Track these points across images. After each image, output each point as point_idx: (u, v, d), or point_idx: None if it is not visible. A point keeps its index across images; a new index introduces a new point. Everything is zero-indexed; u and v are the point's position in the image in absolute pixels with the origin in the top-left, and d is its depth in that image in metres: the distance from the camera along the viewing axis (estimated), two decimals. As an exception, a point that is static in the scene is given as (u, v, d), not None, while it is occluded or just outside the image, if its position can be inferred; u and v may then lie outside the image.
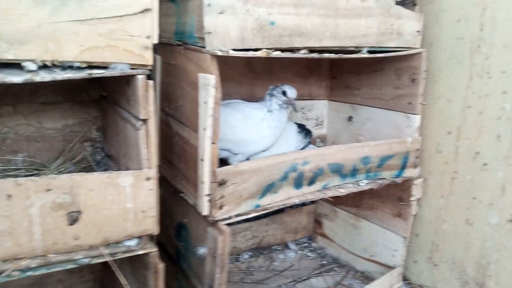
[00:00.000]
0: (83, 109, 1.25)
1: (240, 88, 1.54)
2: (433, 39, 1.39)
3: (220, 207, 1.06)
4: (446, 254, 1.45)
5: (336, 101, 1.70)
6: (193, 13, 1.02)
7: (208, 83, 0.98)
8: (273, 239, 1.82)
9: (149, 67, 0.90)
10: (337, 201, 1.70)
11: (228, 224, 1.08)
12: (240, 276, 1.62)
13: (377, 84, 1.48)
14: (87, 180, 0.86)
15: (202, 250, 1.14)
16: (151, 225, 0.95)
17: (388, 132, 1.45)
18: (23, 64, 0.80)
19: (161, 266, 1.00)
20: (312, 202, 1.84)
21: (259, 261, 1.72)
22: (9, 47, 0.77)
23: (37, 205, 0.84)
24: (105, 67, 0.86)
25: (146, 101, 0.90)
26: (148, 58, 0.89)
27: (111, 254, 0.92)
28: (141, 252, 0.96)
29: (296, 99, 1.32)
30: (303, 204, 1.82)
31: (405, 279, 1.58)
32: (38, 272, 0.87)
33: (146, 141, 0.92)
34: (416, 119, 1.36)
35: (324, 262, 1.75)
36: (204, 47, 0.99)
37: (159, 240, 1.00)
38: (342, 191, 1.29)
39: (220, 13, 0.96)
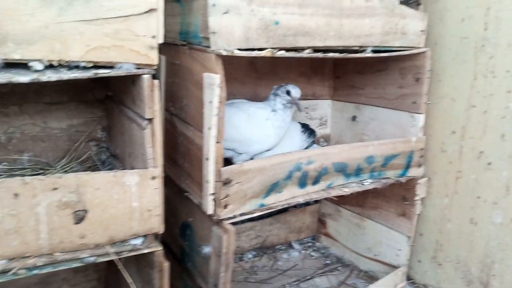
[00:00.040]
0: (88, 109, 1.25)
1: (244, 88, 1.54)
2: (437, 38, 1.39)
3: (225, 206, 1.07)
4: (450, 254, 1.45)
5: (340, 100, 1.70)
6: (198, 13, 1.02)
7: (213, 83, 0.98)
8: (277, 238, 1.82)
9: (155, 67, 0.91)
10: (341, 200, 1.70)
11: (233, 223, 1.09)
12: (244, 276, 1.63)
13: (381, 83, 1.48)
14: (93, 179, 0.87)
15: (206, 249, 1.14)
16: (157, 224, 0.96)
17: (392, 131, 1.45)
18: (30, 64, 0.80)
19: (166, 264, 1.00)
20: (316, 201, 1.84)
21: (262, 261, 1.72)
22: (16, 47, 0.78)
23: (44, 204, 0.84)
24: (111, 67, 0.87)
25: (152, 100, 0.90)
26: (153, 57, 0.89)
27: (117, 253, 0.93)
28: (146, 250, 0.96)
29: (299, 99, 1.32)
30: (307, 204, 1.82)
31: (409, 278, 1.58)
32: (44, 271, 0.88)
33: (152, 141, 0.93)
34: (421, 119, 1.36)
35: (328, 261, 1.75)
36: (209, 47, 0.99)
37: (164, 240, 1.01)
38: (346, 191, 1.29)
39: (225, 13, 0.97)
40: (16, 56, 0.78)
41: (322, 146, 1.71)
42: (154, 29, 0.88)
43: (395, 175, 1.37)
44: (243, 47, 1.00)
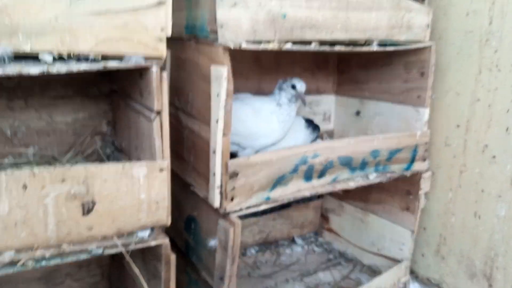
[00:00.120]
0: (93, 103, 1.25)
1: (248, 83, 1.54)
2: (442, 33, 1.39)
3: (231, 199, 1.07)
4: (454, 247, 1.46)
5: (343, 96, 1.70)
6: (205, 6, 1.02)
7: (221, 76, 0.98)
8: (280, 234, 1.82)
9: (163, 59, 0.91)
10: (344, 195, 1.71)
11: (239, 217, 1.09)
12: (247, 271, 1.63)
13: (386, 78, 1.48)
14: (102, 171, 0.87)
15: (212, 243, 1.14)
16: (164, 216, 0.96)
17: (396, 126, 1.46)
18: (40, 56, 0.80)
19: (173, 257, 1.00)
20: (319, 197, 1.84)
21: (265, 256, 1.73)
22: (26, 39, 0.78)
23: (52, 196, 0.84)
24: (120, 59, 0.87)
25: (160, 92, 0.90)
26: (162, 50, 0.90)
27: (124, 245, 0.93)
28: (153, 243, 0.96)
29: (304, 93, 1.32)
30: (310, 199, 1.83)
31: (412, 272, 1.59)
32: (52, 262, 0.88)
33: (160, 133, 0.93)
34: (425, 113, 1.36)
35: (330, 256, 1.75)
36: (216, 40, 0.99)
37: (168, 234, 1.01)
38: (351, 184, 1.29)
39: (233, 6, 0.97)
40: (26, 47, 0.78)
41: (326, 141, 1.72)
42: (163, 21, 0.88)
43: (400, 169, 1.38)
44: (251, 40, 1.01)
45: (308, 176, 1.21)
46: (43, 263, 0.86)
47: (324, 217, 1.86)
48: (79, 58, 0.84)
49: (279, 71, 1.59)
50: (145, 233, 0.95)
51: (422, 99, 1.37)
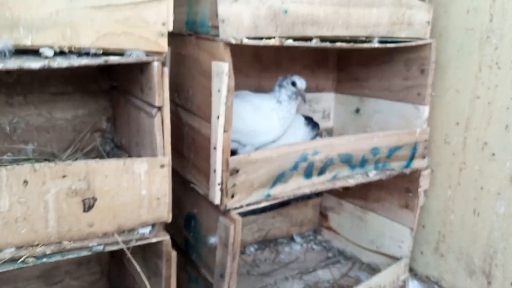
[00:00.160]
0: (93, 100, 1.24)
1: (248, 80, 1.54)
2: (442, 30, 1.39)
3: (232, 196, 1.07)
4: (453, 245, 1.46)
5: (343, 93, 1.70)
6: (206, 2, 1.02)
7: (222, 71, 0.98)
8: (279, 232, 1.82)
9: (165, 54, 0.90)
10: (343, 194, 1.71)
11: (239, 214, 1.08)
12: (247, 269, 1.63)
13: (386, 75, 1.48)
14: (103, 167, 0.86)
15: (213, 240, 1.14)
16: (165, 212, 0.96)
17: (396, 123, 1.46)
18: (41, 50, 0.79)
19: (174, 254, 1.00)
20: (317, 195, 1.84)
21: (265, 254, 1.73)
22: (27, 33, 0.77)
23: (53, 192, 0.84)
24: (121, 54, 0.86)
25: (162, 88, 0.90)
26: (163, 45, 0.89)
27: (125, 242, 0.92)
28: (154, 239, 0.96)
29: (304, 90, 1.32)
30: (309, 197, 1.83)
31: (411, 270, 1.59)
32: (53, 259, 0.87)
33: (161, 128, 0.92)
34: (425, 110, 1.37)
35: (329, 254, 1.75)
36: (217, 35, 0.99)
37: (167, 231, 1.00)
38: (351, 182, 1.29)
39: (234, 1, 0.97)
40: (27, 42, 0.78)
41: (325, 139, 1.72)
42: (164, 16, 0.88)
43: (399, 166, 1.38)
44: (252, 36, 1.00)
45: (308, 173, 1.21)
46: (44, 260, 0.86)
47: (323, 215, 1.86)
48: (80, 52, 0.83)
49: (279, 68, 1.58)
50: (146, 230, 0.95)
51: (422, 97, 1.37)
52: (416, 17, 1.26)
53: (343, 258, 1.72)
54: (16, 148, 1.16)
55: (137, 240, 0.94)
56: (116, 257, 1.34)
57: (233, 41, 0.98)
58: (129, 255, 0.91)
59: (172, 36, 0.93)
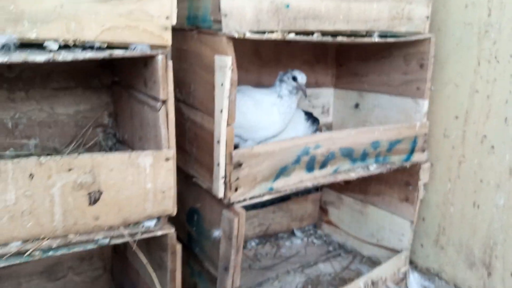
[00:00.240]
0: (94, 95, 1.25)
1: (248, 76, 1.54)
2: (441, 25, 1.40)
3: (236, 190, 1.08)
4: (453, 237, 1.48)
5: (342, 88, 1.71)
6: (208, -4, 1.02)
7: (225, 65, 0.99)
8: (279, 226, 1.83)
9: (168, 48, 0.91)
10: (343, 188, 1.72)
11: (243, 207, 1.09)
12: (248, 263, 1.64)
13: (385, 70, 1.49)
14: (108, 160, 0.87)
15: (216, 233, 1.15)
16: (170, 206, 0.96)
17: (396, 118, 1.47)
18: (45, 43, 0.80)
19: (179, 247, 1.01)
20: (317, 189, 1.85)
21: (266, 248, 1.74)
22: (32, 26, 0.77)
23: (59, 185, 0.84)
24: (125, 48, 0.87)
25: (166, 81, 0.90)
26: (167, 38, 0.90)
27: (131, 235, 0.93)
28: (160, 232, 0.97)
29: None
30: (309, 192, 1.84)
31: (411, 262, 1.60)
32: (59, 253, 0.87)
33: (166, 122, 0.93)
34: (424, 104, 1.38)
35: (330, 248, 1.76)
36: (219, 30, 1.00)
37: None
38: (352, 175, 1.30)
39: (236, -5, 0.97)
40: (31, 35, 0.78)
41: (325, 133, 1.72)
42: (168, 9, 0.89)
43: (399, 160, 1.39)
44: (254, 30, 1.01)
45: (310, 167, 1.22)
46: (50, 253, 0.86)
47: (323, 210, 1.87)
48: (84, 46, 0.83)
49: (279, 64, 1.59)
50: (151, 223, 0.96)
51: (422, 91, 1.38)
52: (415, 12, 1.27)
53: (344, 251, 1.73)
54: (18, 143, 1.16)
55: (142, 233, 0.94)
56: (119, 252, 1.34)
57: (236, 35, 0.98)
58: (134, 248, 0.92)
59: (173, 32, 0.93)
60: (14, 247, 0.83)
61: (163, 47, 0.90)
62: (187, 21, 1.16)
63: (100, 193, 0.88)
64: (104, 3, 0.83)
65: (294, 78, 1.31)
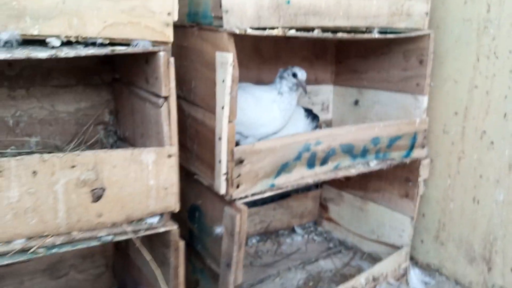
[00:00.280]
0: (95, 92, 1.24)
1: (248, 73, 1.54)
2: (440, 21, 1.41)
3: (237, 186, 1.08)
4: (453, 233, 1.48)
5: (342, 85, 1.72)
6: (209, -8, 1.03)
7: (226, 62, 0.99)
8: (280, 223, 1.84)
9: (170, 44, 0.91)
10: (343, 185, 1.72)
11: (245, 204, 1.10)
12: (249, 260, 1.64)
13: (385, 66, 1.50)
14: (111, 157, 0.87)
15: (218, 230, 1.15)
16: (173, 202, 0.96)
17: (395, 114, 1.47)
18: (48, 40, 0.80)
19: (182, 243, 1.01)
20: (317, 186, 1.86)
21: (266, 245, 1.74)
22: (34, 22, 0.78)
23: (62, 182, 0.84)
24: (127, 44, 0.87)
25: (168, 78, 0.91)
26: (169, 35, 0.90)
27: (134, 232, 0.93)
28: (163, 229, 0.97)
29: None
30: (309, 189, 1.84)
31: (412, 258, 1.61)
32: (63, 250, 0.88)
33: (168, 118, 0.93)
34: (424, 100, 1.39)
35: (330, 245, 1.77)
36: (220, 26, 1.00)
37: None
38: (353, 171, 1.31)
39: (237, -8, 0.97)
40: (34, 31, 0.78)
41: (325, 130, 1.73)
42: (170, 6, 0.89)
43: (399, 156, 1.40)
44: (255, 26, 1.01)
45: (311, 163, 1.22)
46: (54, 250, 0.86)
47: (323, 207, 1.88)
48: (86, 43, 0.84)
49: (278, 61, 1.59)
50: (154, 220, 0.96)
51: (421, 87, 1.38)
52: (415, 8, 1.28)
53: (344, 248, 1.74)
54: (19, 141, 1.16)
55: (145, 230, 0.95)
56: (121, 249, 1.34)
57: (237, 31, 0.98)
58: (138, 244, 0.92)
59: (174, 28, 0.93)
60: (18, 244, 0.83)
61: (165, 43, 0.90)
62: (187, 17, 1.16)
63: (103, 190, 0.88)
64: (106, -1, 0.83)
65: (294, 75, 1.31)
